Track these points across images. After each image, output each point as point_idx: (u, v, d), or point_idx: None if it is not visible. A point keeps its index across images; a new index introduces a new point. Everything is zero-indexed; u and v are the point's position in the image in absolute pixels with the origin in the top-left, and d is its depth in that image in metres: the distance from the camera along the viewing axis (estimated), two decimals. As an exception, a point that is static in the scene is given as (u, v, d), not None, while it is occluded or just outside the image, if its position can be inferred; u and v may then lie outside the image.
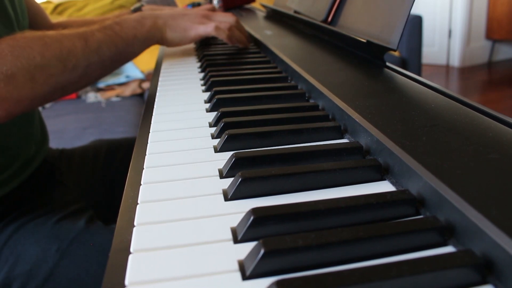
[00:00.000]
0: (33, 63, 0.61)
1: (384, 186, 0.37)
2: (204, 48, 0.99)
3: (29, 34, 0.64)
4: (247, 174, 0.36)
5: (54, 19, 1.05)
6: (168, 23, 0.81)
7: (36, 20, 0.92)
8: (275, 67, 0.78)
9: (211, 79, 0.70)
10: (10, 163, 0.75)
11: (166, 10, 0.85)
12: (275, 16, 1.27)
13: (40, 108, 2.03)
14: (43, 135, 0.88)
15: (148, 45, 0.79)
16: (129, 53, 0.76)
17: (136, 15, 0.79)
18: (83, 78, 0.69)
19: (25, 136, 0.80)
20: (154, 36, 0.79)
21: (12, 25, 0.72)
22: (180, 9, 0.86)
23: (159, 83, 0.76)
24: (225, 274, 0.27)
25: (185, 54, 1.01)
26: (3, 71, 0.59)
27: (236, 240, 0.31)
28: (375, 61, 0.64)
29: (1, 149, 0.74)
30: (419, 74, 2.46)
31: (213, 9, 1.00)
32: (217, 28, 0.84)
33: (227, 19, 0.89)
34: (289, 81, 0.70)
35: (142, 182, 0.40)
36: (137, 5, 1.05)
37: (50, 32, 0.66)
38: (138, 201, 0.36)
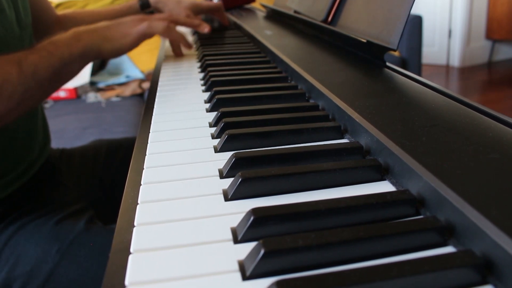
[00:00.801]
0: None
1: (384, 186, 0.37)
2: (204, 48, 0.99)
3: None
4: (247, 174, 0.36)
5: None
6: (103, 35, 0.78)
7: (42, 16, 0.92)
8: (275, 67, 0.78)
9: (211, 79, 0.70)
10: (15, 166, 0.75)
11: (102, 23, 0.81)
12: (275, 16, 1.27)
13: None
14: (46, 136, 0.88)
15: (86, 62, 0.76)
16: (67, 72, 0.72)
17: (70, 32, 0.75)
18: (22, 104, 0.65)
19: (29, 139, 0.80)
20: (92, 50, 0.75)
21: (10, 24, 0.72)
22: (118, 20, 0.84)
23: (159, 83, 0.76)
24: (225, 274, 0.27)
25: (185, 54, 1.01)
26: None
27: (236, 240, 0.31)
28: (375, 61, 0.64)
29: (6, 152, 0.74)
30: (419, 74, 2.46)
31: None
32: (149, 26, 0.82)
33: (163, 16, 0.88)
34: (289, 81, 0.70)
35: (142, 182, 0.40)
36: None
37: None
38: (138, 201, 0.36)
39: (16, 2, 0.75)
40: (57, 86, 0.71)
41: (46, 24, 0.94)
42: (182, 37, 0.90)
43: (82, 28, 0.77)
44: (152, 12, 1.06)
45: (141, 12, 1.05)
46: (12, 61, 0.64)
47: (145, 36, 0.82)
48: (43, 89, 0.68)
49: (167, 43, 1.13)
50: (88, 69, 2.29)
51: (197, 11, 1.10)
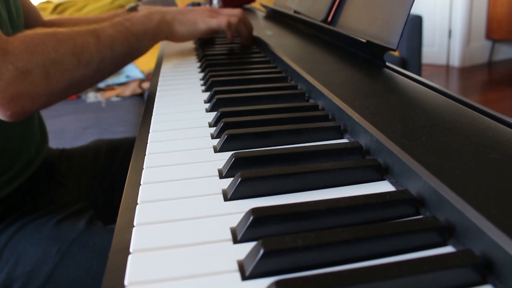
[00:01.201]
0: (48, 58, 0.62)
1: (384, 186, 0.37)
2: (204, 48, 0.99)
3: (41, 31, 0.65)
4: (246, 174, 0.36)
5: (54, 18, 1.05)
6: (176, 17, 0.82)
7: (30, 19, 0.92)
8: (275, 67, 0.78)
9: (211, 79, 0.70)
10: (11, 164, 0.75)
11: (175, 8, 0.86)
12: (275, 16, 1.27)
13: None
14: (43, 136, 0.88)
15: (157, 40, 0.80)
16: (140, 48, 0.77)
17: (145, 11, 0.79)
18: (97, 74, 0.69)
19: (25, 138, 0.80)
20: (163, 30, 0.80)
21: (4, 25, 0.72)
22: (189, 8, 0.87)
23: (159, 83, 0.76)
24: (225, 274, 0.27)
25: (185, 54, 1.01)
26: (18, 67, 0.59)
27: (235, 240, 0.31)
28: (375, 61, 0.64)
29: (2, 151, 0.74)
30: (419, 74, 2.46)
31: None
32: (229, 24, 0.86)
33: (236, 13, 0.91)
34: (289, 81, 0.70)
35: (142, 182, 0.40)
36: (133, 4, 1.05)
37: (62, 29, 0.67)
38: (138, 201, 0.36)
39: (8, 2, 0.75)
40: (128, 60, 0.76)
41: (33, 27, 0.94)
42: (247, 37, 0.94)
43: (156, 8, 0.82)
44: (198, 4, 1.10)
45: None
46: (92, 32, 0.68)
47: (219, 29, 0.87)
48: (117, 62, 0.72)
49: (166, 44, 1.13)
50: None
51: None
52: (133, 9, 1.04)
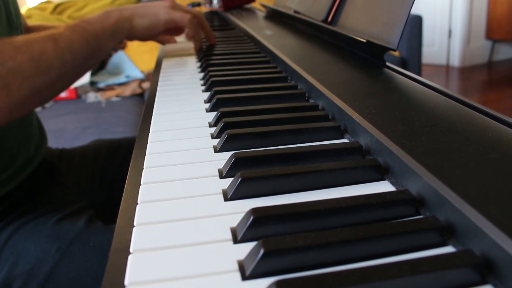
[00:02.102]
0: (5, 67, 0.59)
1: (384, 186, 0.37)
2: (204, 48, 0.99)
3: None
4: (247, 174, 0.36)
5: (54, 19, 1.05)
6: (135, 12, 0.80)
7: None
8: (275, 67, 0.78)
9: (211, 79, 0.70)
10: (10, 164, 0.75)
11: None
12: (275, 16, 1.27)
13: (38, 108, 2.03)
14: (42, 135, 0.88)
15: (118, 37, 0.78)
16: (101, 48, 0.74)
17: (102, 11, 0.77)
18: (60, 80, 0.67)
19: (23, 137, 0.80)
20: (123, 27, 0.78)
21: (2, 24, 0.72)
22: (149, 2, 0.86)
23: (159, 83, 0.76)
24: (225, 274, 0.27)
25: (185, 54, 1.01)
26: None
27: (236, 240, 0.31)
28: (375, 61, 0.64)
29: (0, 150, 0.74)
30: (419, 74, 2.46)
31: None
32: (181, 16, 0.85)
33: (197, 12, 0.90)
34: (289, 81, 0.70)
35: (142, 182, 0.40)
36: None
37: (18, 36, 0.65)
38: (138, 201, 0.36)
39: (7, 2, 0.75)
40: (91, 62, 0.74)
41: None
42: (200, 40, 0.93)
43: (114, 7, 0.80)
44: (198, 5, 1.09)
45: None
46: (49, 36, 0.66)
47: (174, 22, 0.84)
48: (79, 65, 0.70)
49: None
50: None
51: None
52: None
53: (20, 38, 0.64)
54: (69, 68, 0.68)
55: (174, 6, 0.86)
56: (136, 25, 0.80)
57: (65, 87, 0.70)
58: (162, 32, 0.88)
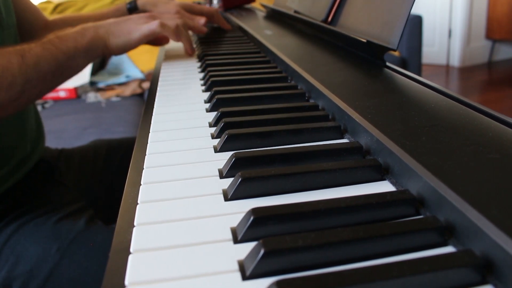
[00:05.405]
0: None
1: (384, 186, 0.37)
2: (204, 48, 0.99)
3: None
4: (247, 174, 0.36)
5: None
6: (110, 30, 0.77)
7: (26, 18, 0.90)
8: (275, 67, 0.78)
9: (211, 79, 0.70)
10: (5, 161, 0.75)
11: (110, 19, 0.81)
12: (275, 16, 1.27)
13: (39, 108, 2.03)
14: (39, 134, 0.88)
15: (92, 57, 0.76)
16: (73, 67, 0.73)
17: (78, 27, 0.75)
18: (23, 96, 0.65)
19: (19, 135, 0.79)
20: (98, 45, 0.75)
21: None
22: (126, 17, 0.82)
23: (159, 83, 0.76)
24: (225, 274, 0.27)
25: (185, 54, 1.01)
26: None
27: (236, 240, 0.31)
28: (375, 61, 0.64)
29: None
30: (419, 74, 2.46)
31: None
32: (162, 24, 0.81)
33: (173, 16, 0.88)
34: (289, 81, 0.70)
35: (142, 182, 0.40)
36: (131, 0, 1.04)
37: None
38: (138, 201, 0.36)
39: None
40: (61, 80, 0.72)
41: (32, 26, 0.92)
42: (189, 40, 0.90)
43: (89, 23, 0.77)
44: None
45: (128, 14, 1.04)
46: (16, 52, 0.64)
47: (154, 34, 0.81)
48: (45, 82, 0.68)
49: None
50: (88, 69, 2.30)
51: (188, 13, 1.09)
52: (133, 4, 1.04)
53: None
54: (34, 84, 0.66)
55: (149, 18, 0.82)
56: (111, 44, 0.77)
57: (32, 101, 0.68)
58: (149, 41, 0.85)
